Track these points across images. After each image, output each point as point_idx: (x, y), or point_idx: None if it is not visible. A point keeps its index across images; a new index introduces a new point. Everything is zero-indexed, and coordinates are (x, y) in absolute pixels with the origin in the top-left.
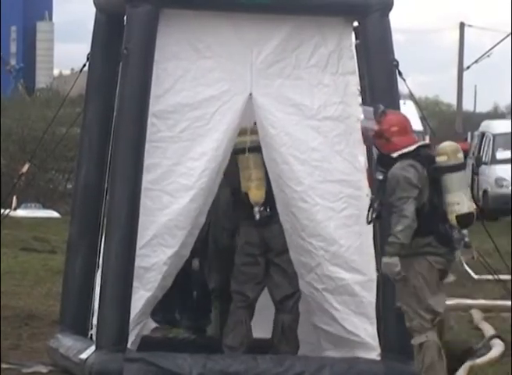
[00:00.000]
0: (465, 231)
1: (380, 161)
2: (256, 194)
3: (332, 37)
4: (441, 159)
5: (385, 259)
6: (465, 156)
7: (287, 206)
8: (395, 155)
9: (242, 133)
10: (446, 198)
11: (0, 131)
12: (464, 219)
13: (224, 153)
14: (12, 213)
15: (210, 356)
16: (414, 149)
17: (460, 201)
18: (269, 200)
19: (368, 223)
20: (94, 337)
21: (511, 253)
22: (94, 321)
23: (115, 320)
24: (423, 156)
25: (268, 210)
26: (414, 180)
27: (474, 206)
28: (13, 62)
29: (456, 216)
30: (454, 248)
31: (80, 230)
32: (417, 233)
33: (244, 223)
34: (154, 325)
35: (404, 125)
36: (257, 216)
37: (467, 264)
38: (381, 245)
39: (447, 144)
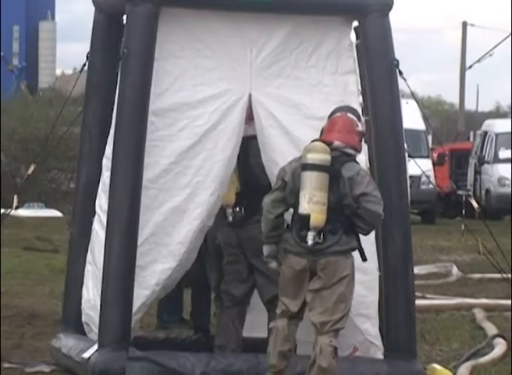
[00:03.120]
0: (309, 233)
1: None
2: (226, 196)
3: (332, 37)
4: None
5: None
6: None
7: None
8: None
9: None
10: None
11: (0, 131)
12: (300, 220)
13: (221, 152)
14: (15, 213)
15: (213, 355)
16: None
17: (300, 201)
18: (243, 201)
19: None
20: (88, 335)
21: None
22: (83, 319)
23: (118, 319)
24: None
25: (242, 212)
26: (285, 173)
27: (315, 210)
28: (15, 61)
29: (297, 215)
30: (313, 250)
31: (82, 229)
32: (288, 228)
33: (223, 223)
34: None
35: (334, 124)
36: (230, 218)
37: (473, 261)
38: (383, 245)
39: (309, 144)
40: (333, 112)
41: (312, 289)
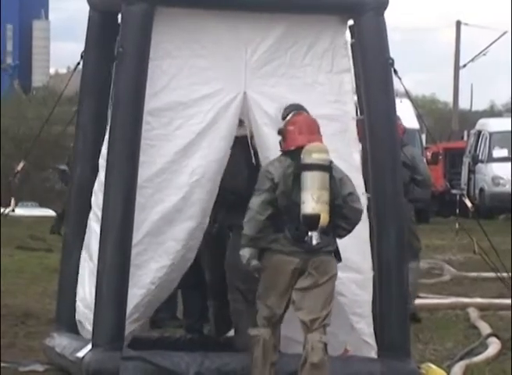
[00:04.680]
0: (314, 233)
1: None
2: None
3: (326, 36)
4: (301, 157)
5: (240, 251)
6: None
7: None
8: (280, 151)
9: None
10: (301, 196)
11: None
12: (307, 220)
13: (217, 151)
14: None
15: (207, 354)
16: (294, 149)
17: (306, 201)
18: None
19: None
20: (81, 333)
21: (511, 252)
22: (77, 317)
23: (112, 319)
24: (297, 156)
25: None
26: (272, 174)
27: (323, 210)
28: (9, 60)
29: (302, 216)
30: (310, 250)
31: (75, 228)
32: (273, 228)
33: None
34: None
35: (302, 125)
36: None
37: (467, 260)
38: (377, 243)
39: (310, 145)
40: (288, 112)
41: (301, 288)
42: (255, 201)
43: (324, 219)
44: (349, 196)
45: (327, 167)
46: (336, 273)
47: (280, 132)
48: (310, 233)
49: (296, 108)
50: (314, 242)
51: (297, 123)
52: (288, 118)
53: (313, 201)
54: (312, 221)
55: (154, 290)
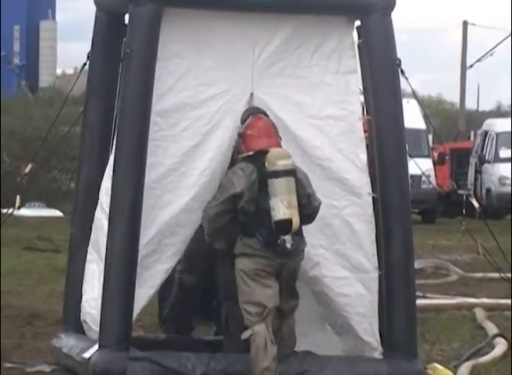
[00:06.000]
0: (286, 237)
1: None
2: None
3: (334, 37)
4: (266, 165)
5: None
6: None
7: None
8: (240, 156)
9: None
10: (270, 203)
11: (0, 130)
12: (279, 226)
13: (225, 152)
14: (16, 212)
15: (213, 355)
16: (254, 153)
17: (276, 208)
18: None
19: None
20: (87, 334)
21: None
22: (82, 317)
23: (119, 319)
24: (258, 161)
25: None
26: (234, 187)
27: (294, 213)
28: (16, 61)
29: (274, 222)
30: (284, 253)
31: (82, 229)
32: (244, 234)
33: None
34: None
35: (261, 129)
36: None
37: (474, 260)
38: (384, 244)
39: (272, 151)
40: (247, 115)
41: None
42: (210, 212)
43: (296, 222)
44: (311, 196)
45: (292, 172)
46: None
47: (239, 136)
48: (282, 237)
49: (254, 112)
50: (289, 246)
51: (256, 127)
52: (247, 122)
53: (283, 206)
54: (284, 226)
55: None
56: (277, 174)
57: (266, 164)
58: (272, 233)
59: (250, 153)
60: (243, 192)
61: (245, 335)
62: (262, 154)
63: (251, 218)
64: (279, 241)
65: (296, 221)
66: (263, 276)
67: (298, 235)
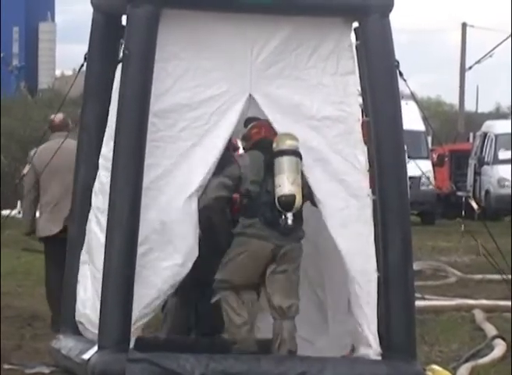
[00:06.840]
0: (288, 214)
1: None
2: None
3: (332, 38)
4: (274, 146)
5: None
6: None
7: None
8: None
9: None
10: (274, 181)
11: (0, 131)
12: (284, 201)
13: (222, 153)
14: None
15: (213, 356)
16: (260, 141)
17: (282, 184)
18: None
19: None
20: (83, 334)
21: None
22: (77, 317)
23: (118, 320)
24: (262, 145)
25: None
26: (240, 169)
27: (297, 191)
28: (15, 62)
29: (278, 198)
30: (284, 233)
31: (80, 230)
32: (245, 215)
33: None
34: None
35: (265, 126)
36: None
37: (473, 262)
38: (382, 246)
39: (281, 133)
40: (249, 121)
41: (273, 272)
42: (214, 181)
43: (298, 200)
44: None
45: (299, 154)
46: (300, 260)
47: (244, 137)
48: (284, 216)
49: (256, 120)
50: (290, 222)
51: (259, 126)
52: (251, 125)
53: (289, 183)
54: (288, 201)
55: (165, 290)
56: (284, 152)
57: (274, 145)
58: (275, 211)
59: (257, 138)
60: (246, 173)
61: (214, 299)
62: (267, 142)
63: (255, 200)
64: (280, 221)
65: (299, 199)
66: (254, 262)
67: (297, 219)
